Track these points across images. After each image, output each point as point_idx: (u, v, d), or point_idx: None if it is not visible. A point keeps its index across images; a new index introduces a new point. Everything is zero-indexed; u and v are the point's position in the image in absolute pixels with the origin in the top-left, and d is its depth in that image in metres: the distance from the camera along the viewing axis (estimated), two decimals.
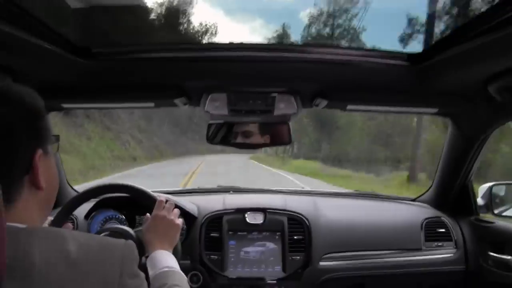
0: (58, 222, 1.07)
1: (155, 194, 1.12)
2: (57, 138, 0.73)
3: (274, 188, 1.77)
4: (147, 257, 0.92)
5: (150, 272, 0.86)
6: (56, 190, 0.68)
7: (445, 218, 1.51)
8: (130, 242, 0.61)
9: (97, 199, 1.37)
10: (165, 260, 0.89)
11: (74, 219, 1.38)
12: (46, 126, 0.62)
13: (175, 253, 0.95)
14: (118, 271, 0.56)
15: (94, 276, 0.53)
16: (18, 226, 0.53)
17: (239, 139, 1.26)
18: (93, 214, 1.37)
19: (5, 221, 0.45)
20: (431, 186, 1.65)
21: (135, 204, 1.34)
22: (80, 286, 0.52)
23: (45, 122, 0.63)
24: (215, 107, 1.18)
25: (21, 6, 0.75)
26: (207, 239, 1.36)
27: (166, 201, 1.04)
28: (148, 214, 1.03)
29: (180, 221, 1.01)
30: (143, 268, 0.78)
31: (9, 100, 0.57)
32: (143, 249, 0.96)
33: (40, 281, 0.49)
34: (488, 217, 1.50)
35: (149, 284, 0.81)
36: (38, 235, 0.54)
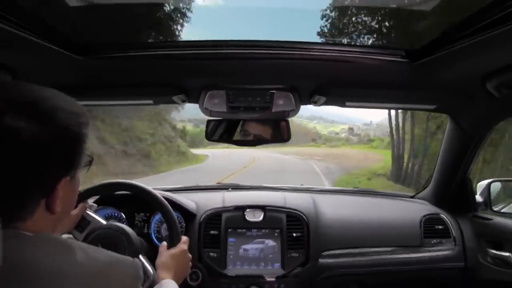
0: None
1: (158, 195, 1.12)
2: (90, 160, 0.69)
3: (273, 185, 1.77)
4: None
5: None
6: (70, 212, 0.65)
7: (444, 215, 1.52)
8: (137, 260, 0.62)
9: (96, 197, 1.36)
10: None
11: None
12: (82, 152, 0.58)
13: None
14: None
15: None
16: (25, 233, 0.52)
17: (238, 136, 1.26)
18: None
19: None
20: (429, 182, 1.65)
21: (134, 202, 1.34)
22: None
23: (83, 148, 0.58)
24: (214, 104, 1.18)
25: (19, 5, 0.75)
26: (206, 237, 1.36)
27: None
28: (164, 242, 1.05)
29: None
30: None
31: (51, 121, 0.52)
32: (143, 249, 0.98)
33: None
34: (486, 213, 1.50)
35: None
36: (45, 243, 0.53)
